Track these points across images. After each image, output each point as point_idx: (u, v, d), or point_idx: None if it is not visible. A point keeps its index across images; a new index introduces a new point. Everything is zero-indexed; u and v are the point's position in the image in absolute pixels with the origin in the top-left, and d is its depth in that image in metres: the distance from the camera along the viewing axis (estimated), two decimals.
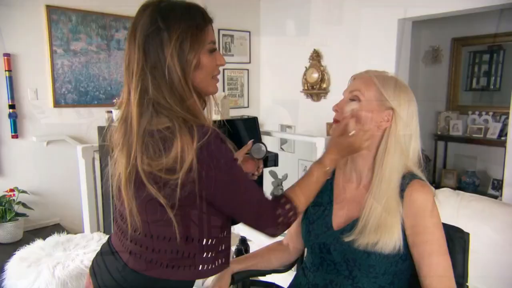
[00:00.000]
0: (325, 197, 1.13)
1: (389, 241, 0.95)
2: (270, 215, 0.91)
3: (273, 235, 0.94)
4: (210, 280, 1.23)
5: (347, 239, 0.99)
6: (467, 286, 1.08)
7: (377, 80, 1.03)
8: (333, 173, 1.16)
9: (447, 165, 4.54)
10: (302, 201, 0.95)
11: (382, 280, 0.99)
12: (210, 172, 0.83)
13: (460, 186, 4.22)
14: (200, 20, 0.90)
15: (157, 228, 0.90)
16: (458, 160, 4.53)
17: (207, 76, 0.92)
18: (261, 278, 1.37)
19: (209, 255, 0.93)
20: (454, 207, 1.83)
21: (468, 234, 1.08)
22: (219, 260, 0.96)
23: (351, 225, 1.02)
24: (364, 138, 1.00)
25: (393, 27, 3.40)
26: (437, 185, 4.41)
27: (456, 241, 1.07)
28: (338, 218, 1.07)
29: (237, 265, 1.20)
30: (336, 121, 1.06)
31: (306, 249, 1.19)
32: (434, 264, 0.95)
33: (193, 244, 0.91)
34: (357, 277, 1.00)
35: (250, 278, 1.29)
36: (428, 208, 0.96)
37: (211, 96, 0.98)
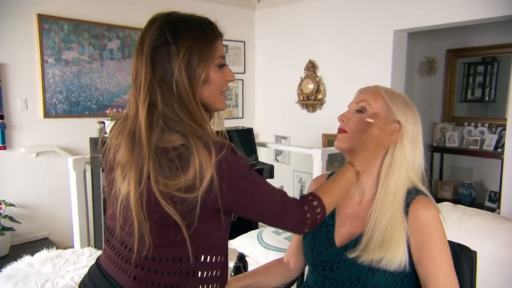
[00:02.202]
0: None
1: (394, 257, 0.92)
2: (297, 212, 0.89)
3: (300, 232, 0.94)
4: None
5: (351, 255, 0.97)
6: None
7: (385, 94, 1.03)
8: None
9: (443, 176, 4.51)
10: (329, 200, 0.92)
11: None
12: (233, 184, 0.81)
13: (457, 198, 4.19)
14: (209, 33, 0.88)
15: (168, 250, 0.85)
16: (454, 171, 4.51)
17: (216, 91, 0.90)
18: None
19: (218, 273, 0.91)
20: (455, 222, 1.80)
21: (475, 252, 1.06)
22: (223, 277, 0.94)
23: (354, 242, 0.99)
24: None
25: (389, 38, 3.39)
26: (434, 196, 4.37)
27: (463, 259, 1.04)
28: (341, 234, 1.04)
29: (236, 283, 1.17)
30: (342, 130, 1.05)
31: (307, 267, 1.16)
32: (442, 282, 0.92)
33: (203, 262, 0.88)
34: None
35: None
36: (434, 225, 0.95)
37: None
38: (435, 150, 4.48)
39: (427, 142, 4.51)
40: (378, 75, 3.37)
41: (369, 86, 1.09)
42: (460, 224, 1.79)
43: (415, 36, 4.17)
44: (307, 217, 0.89)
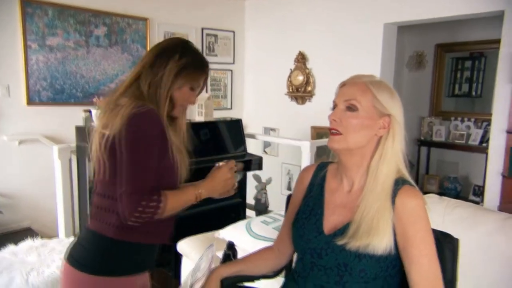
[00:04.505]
0: (316, 202, 1.13)
1: (380, 243, 0.96)
2: (131, 205, 1.01)
3: (124, 218, 1.03)
4: (198, 286, 1.23)
5: (340, 242, 1.00)
6: None
7: (372, 87, 1.02)
8: (324, 178, 1.16)
9: (430, 170, 4.57)
10: (169, 207, 1.07)
11: (372, 285, 1.00)
12: (126, 134, 1.04)
13: (442, 192, 4.24)
14: (203, 68, 1.23)
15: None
16: (440, 165, 4.56)
17: (178, 101, 1.19)
18: (249, 284, 1.33)
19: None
20: (439, 213, 1.85)
21: (457, 239, 1.10)
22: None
23: (342, 229, 1.02)
24: (233, 186, 1.18)
25: (379, 31, 3.39)
26: (420, 190, 4.43)
27: (445, 246, 1.08)
28: (329, 223, 1.07)
29: (226, 270, 1.20)
30: (334, 132, 1.04)
31: (296, 254, 1.18)
32: (424, 268, 0.96)
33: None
34: (348, 282, 1.00)
35: (238, 284, 1.27)
36: (419, 213, 0.98)
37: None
38: (422, 144, 4.53)
39: (414, 136, 4.55)
40: (367, 68, 3.37)
41: (351, 77, 1.07)
42: (444, 215, 1.83)
43: (405, 30, 4.18)
44: (139, 210, 1.01)
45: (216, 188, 1.18)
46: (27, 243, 2.23)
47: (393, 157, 1.02)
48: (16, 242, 2.29)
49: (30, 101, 3.24)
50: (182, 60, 1.15)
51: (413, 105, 4.56)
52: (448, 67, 4.52)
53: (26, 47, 3.18)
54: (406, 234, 0.97)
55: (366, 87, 1.02)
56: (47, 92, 3.31)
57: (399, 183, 1.01)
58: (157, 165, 1.07)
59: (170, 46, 1.18)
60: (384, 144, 1.03)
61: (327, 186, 1.14)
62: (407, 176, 1.04)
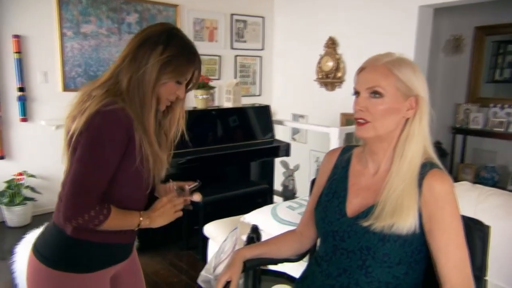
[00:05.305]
0: (340, 185, 1.11)
1: (404, 223, 0.94)
2: (85, 206, 0.96)
3: (65, 220, 0.97)
4: (221, 268, 1.21)
5: (364, 223, 0.98)
6: (485, 280, 1.06)
7: (394, 68, 0.98)
8: (349, 161, 1.14)
9: (465, 159, 4.39)
10: (109, 224, 1.00)
11: (396, 270, 0.97)
12: (86, 134, 0.96)
13: (478, 182, 4.07)
14: (190, 58, 1.07)
15: None
16: (477, 154, 4.37)
17: (165, 95, 1.07)
18: (272, 267, 1.34)
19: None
20: (471, 202, 1.79)
21: (488, 227, 1.06)
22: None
23: (366, 212, 1.00)
24: (174, 213, 1.12)
25: (414, 14, 3.26)
26: (454, 180, 4.27)
27: (475, 233, 1.05)
28: (353, 205, 1.05)
29: (249, 252, 1.19)
30: (362, 121, 1.00)
31: (319, 239, 1.17)
32: (452, 254, 0.94)
33: None
34: (371, 266, 0.98)
35: (261, 267, 1.27)
36: (447, 198, 0.95)
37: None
38: (458, 131, 4.34)
39: (449, 123, 4.37)
40: (400, 53, 3.25)
41: (370, 60, 1.02)
42: (476, 203, 1.77)
43: (441, 12, 3.98)
44: (84, 217, 0.96)
45: (155, 220, 1.10)
46: None
47: (420, 138, 0.99)
48: None
49: (66, 87, 3.37)
50: (166, 53, 1.02)
51: (449, 92, 4.37)
52: (489, 51, 4.29)
53: (62, 35, 3.29)
54: (433, 218, 0.94)
55: (388, 70, 0.97)
56: (81, 78, 3.43)
57: (427, 166, 0.98)
58: (115, 172, 1.00)
59: (153, 35, 1.04)
60: (411, 124, 0.99)
61: (352, 169, 1.11)
62: (436, 159, 1.01)
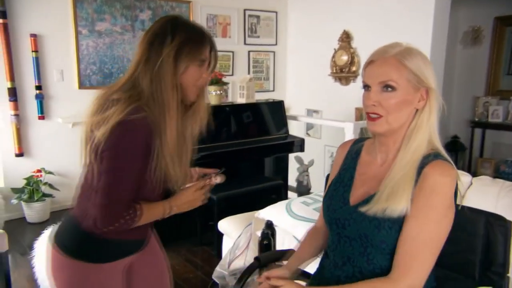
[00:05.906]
0: (347, 174, 1.11)
1: (396, 207, 0.92)
2: (119, 214, 1.01)
3: (97, 229, 1.01)
4: (236, 263, 1.21)
5: (361, 209, 0.98)
6: (508, 277, 1.04)
7: (405, 60, 0.95)
8: (359, 152, 1.13)
9: (484, 153, 4.29)
10: (143, 220, 1.06)
11: None
12: (110, 145, 0.97)
13: (498, 176, 3.96)
14: (201, 38, 1.08)
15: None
16: (496, 148, 4.27)
17: (190, 82, 1.07)
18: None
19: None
20: (492, 197, 1.75)
21: (510, 222, 1.04)
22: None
23: (367, 200, 1.00)
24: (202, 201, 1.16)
25: (430, 5, 3.18)
26: (472, 175, 4.19)
27: (497, 229, 1.03)
28: (357, 194, 1.05)
29: (295, 262, 1.19)
30: (374, 115, 0.98)
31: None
32: (408, 245, 0.91)
33: None
34: (371, 253, 0.99)
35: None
36: (439, 189, 0.91)
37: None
38: (476, 125, 4.25)
39: (467, 117, 4.27)
40: (416, 46, 3.18)
41: (378, 51, 0.99)
42: (498, 198, 1.72)
43: (459, 3, 3.89)
44: (120, 222, 1.01)
45: (182, 207, 1.16)
46: None
47: (427, 129, 0.98)
48: None
49: (82, 85, 3.41)
50: (176, 40, 1.03)
51: (467, 84, 4.27)
52: (509, 42, 4.17)
53: (77, 33, 3.33)
54: (414, 203, 0.91)
55: (399, 62, 0.95)
56: (96, 76, 3.47)
57: (430, 156, 0.96)
58: (139, 177, 1.04)
59: (158, 30, 1.05)
60: (420, 115, 0.98)
61: (361, 159, 1.11)
62: (442, 151, 0.99)
